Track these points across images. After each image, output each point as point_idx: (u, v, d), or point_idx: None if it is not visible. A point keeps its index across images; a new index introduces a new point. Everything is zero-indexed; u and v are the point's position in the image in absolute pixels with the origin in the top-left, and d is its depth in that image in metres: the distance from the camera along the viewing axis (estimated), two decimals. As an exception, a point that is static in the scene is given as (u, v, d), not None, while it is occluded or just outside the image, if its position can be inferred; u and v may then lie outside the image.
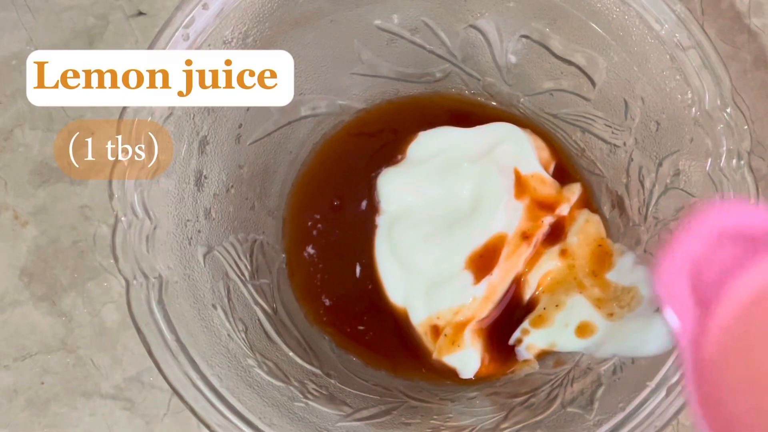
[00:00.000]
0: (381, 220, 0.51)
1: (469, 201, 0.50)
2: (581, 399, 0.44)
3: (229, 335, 0.45)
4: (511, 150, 0.50)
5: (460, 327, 0.49)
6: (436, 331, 0.49)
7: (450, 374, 0.50)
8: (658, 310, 0.44)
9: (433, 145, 0.52)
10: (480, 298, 0.49)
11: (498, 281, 0.49)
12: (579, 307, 0.48)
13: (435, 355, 0.49)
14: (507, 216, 0.49)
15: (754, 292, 0.27)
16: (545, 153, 0.51)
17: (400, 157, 0.52)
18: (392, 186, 0.51)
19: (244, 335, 0.46)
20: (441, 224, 0.50)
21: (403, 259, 0.50)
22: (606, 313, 0.47)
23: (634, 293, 0.47)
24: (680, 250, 0.27)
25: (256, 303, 0.48)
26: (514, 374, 0.50)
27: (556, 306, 0.48)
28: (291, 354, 0.47)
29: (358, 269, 0.52)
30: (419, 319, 0.50)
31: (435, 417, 0.47)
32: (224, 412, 0.42)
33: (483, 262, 0.49)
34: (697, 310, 0.26)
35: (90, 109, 0.56)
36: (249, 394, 0.43)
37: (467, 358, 0.49)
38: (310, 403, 0.45)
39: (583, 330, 0.47)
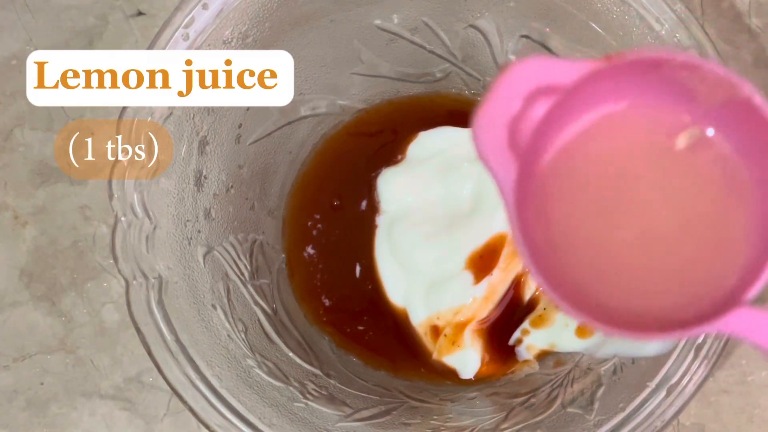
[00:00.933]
0: (381, 220, 0.51)
1: (469, 201, 0.50)
2: (581, 399, 0.44)
3: (228, 335, 0.45)
4: None
5: (460, 327, 0.49)
6: (436, 331, 0.49)
7: (450, 374, 0.50)
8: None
9: (433, 145, 0.52)
10: (480, 299, 0.49)
11: (498, 281, 0.49)
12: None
13: (435, 356, 0.49)
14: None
15: (569, 139, 0.30)
16: None
17: (399, 157, 0.52)
18: (392, 186, 0.51)
19: (243, 335, 0.46)
20: (441, 224, 0.50)
21: (403, 259, 0.50)
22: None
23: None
24: (494, 108, 0.28)
25: (256, 303, 0.48)
26: (514, 374, 0.50)
27: (556, 306, 0.48)
28: (291, 354, 0.47)
29: (358, 269, 0.52)
30: (419, 319, 0.50)
31: (435, 417, 0.47)
32: (224, 412, 0.42)
33: (483, 262, 0.49)
34: (516, 160, 0.28)
35: (90, 109, 0.56)
36: (249, 395, 0.43)
37: (467, 358, 0.49)
38: (309, 403, 0.45)
39: (583, 330, 0.47)
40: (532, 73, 0.28)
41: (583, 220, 0.30)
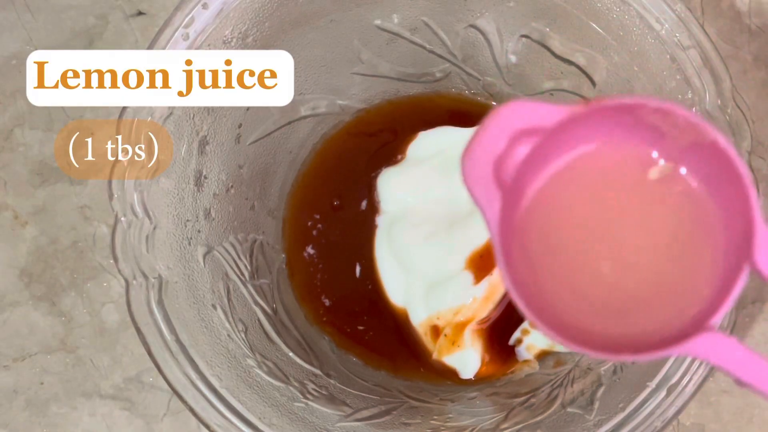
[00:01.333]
0: (381, 220, 0.51)
1: (469, 201, 0.50)
2: (581, 399, 0.44)
3: (228, 335, 0.45)
4: None
5: (460, 327, 0.49)
6: (436, 331, 0.49)
7: (450, 374, 0.50)
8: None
9: (433, 145, 0.52)
10: (480, 298, 0.48)
11: (499, 281, 0.48)
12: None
13: (435, 356, 0.49)
14: None
15: (551, 174, 0.32)
16: None
17: (400, 157, 0.52)
18: (392, 186, 0.51)
19: (243, 335, 0.45)
20: (441, 224, 0.50)
21: (402, 259, 0.50)
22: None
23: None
24: (481, 146, 0.31)
25: (256, 303, 0.48)
26: (514, 374, 0.50)
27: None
28: (291, 354, 0.47)
29: (358, 269, 0.52)
30: (419, 319, 0.50)
31: (435, 417, 0.47)
32: (224, 412, 0.42)
33: (483, 262, 0.49)
34: (500, 194, 0.31)
35: (90, 109, 0.55)
36: (249, 395, 0.43)
37: (467, 358, 0.49)
38: (310, 403, 0.45)
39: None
40: (517, 116, 0.31)
41: (563, 249, 0.32)
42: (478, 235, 0.49)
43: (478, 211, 0.49)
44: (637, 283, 0.32)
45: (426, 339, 0.50)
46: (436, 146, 0.51)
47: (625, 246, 0.32)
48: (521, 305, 0.30)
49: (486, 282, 0.48)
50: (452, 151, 0.51)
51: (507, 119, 0.31)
